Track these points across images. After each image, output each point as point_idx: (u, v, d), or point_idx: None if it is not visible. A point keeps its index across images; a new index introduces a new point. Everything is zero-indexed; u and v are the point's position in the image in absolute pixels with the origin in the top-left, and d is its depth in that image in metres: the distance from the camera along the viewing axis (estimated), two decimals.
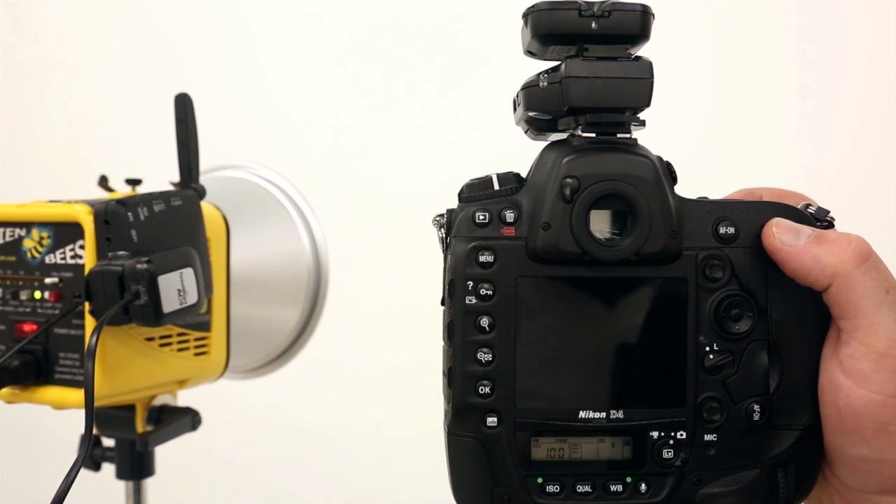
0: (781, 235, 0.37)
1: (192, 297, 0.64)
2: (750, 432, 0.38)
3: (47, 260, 0.64)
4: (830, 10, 1.17)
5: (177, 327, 0.70)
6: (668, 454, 0.38)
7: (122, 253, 0.61)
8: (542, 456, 0.38)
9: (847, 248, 0.36)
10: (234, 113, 1.36)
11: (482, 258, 0.38)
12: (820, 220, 0.39)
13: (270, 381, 0.99)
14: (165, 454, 0.78)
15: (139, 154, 1.36)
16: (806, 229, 0.38)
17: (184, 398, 0.78)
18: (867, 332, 0.36)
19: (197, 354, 0.73)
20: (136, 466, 0.76)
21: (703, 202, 0.39)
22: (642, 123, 0.39)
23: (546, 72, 0.38)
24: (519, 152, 0.47)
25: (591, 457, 0.39)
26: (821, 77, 1.18)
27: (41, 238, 0.65)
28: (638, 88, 0.37)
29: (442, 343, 0.39)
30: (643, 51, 0.39)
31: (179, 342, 0.71)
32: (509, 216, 0.38)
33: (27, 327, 0.64)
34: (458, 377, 0.38)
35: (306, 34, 1.38)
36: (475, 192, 0.38)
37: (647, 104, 0.38)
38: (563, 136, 0.40)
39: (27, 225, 0.65)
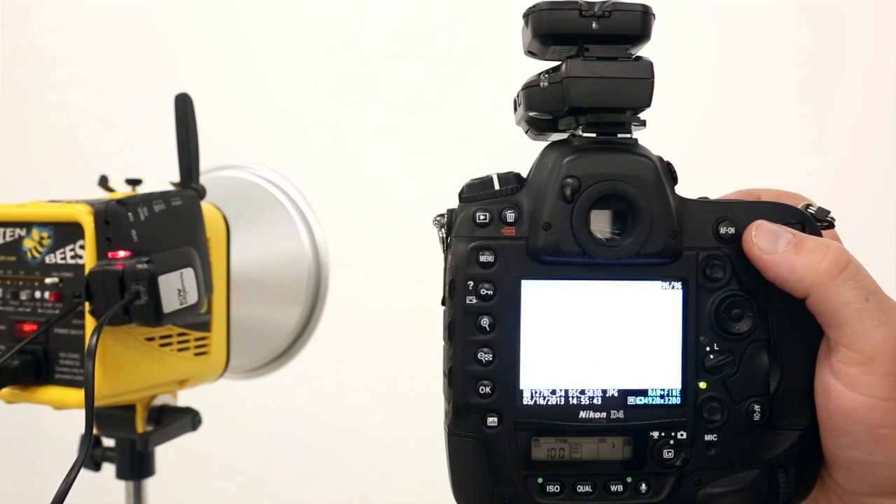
0: (760, 241, 0.37)
1: (192, 297, 0.64)
2: (750, 432, 0.38)
3: (47, 260, 0.64)
4: (831, 10, 1.17)
5: (177, 327, 0.70)
6: (668, 454, 0.38)
7: (122, 253, 0.61)
8: (543, 456, 0.38)
9: (823, 260, 0.36)
10: (234, 113, 1.36)
11: (483, 258, 0.38)
12: (820, 220, 0.39)
13: (270, 381, 0.99)
14: (165, 454, 0.78)
15: (139, 154, 1.36)
16: (786, 235, 0.37)
17: (184, 398, 0.78)
18: (853, 339, 0.36)
19: (197, 354, 0.73)
20: (136, 466, 0.76)
21: (703, 202, 0.39)
22: (643, 123, 0.39)
23: (547, 72, 0.38)
24: (519, 152, 0.47)
25: (591, 457, 0.39)
26: (821, 77, 1.18)
27: (41, 238, 0.65)
28: (638, 88, 0.37)
29: (442, 343, 0.39)
30: (644, 51, 0.39)
31: (179, 342, 0.71)
32: (510, 216, 0.38)
33: (27, 327, 0.64)
34: (459, 377, 0.38)
35: (306, 34, 1.38)
36: (476, 191, 0.38)
37: (648, 104, 0.38)
38: (564, 136, 0.40)
39: (27, 225, 0.65)
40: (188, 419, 0.76)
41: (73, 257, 0.63)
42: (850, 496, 0.38)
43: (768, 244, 0.37)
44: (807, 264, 0.36)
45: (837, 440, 0.37)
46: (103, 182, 0.76)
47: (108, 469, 0.77)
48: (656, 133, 0.43)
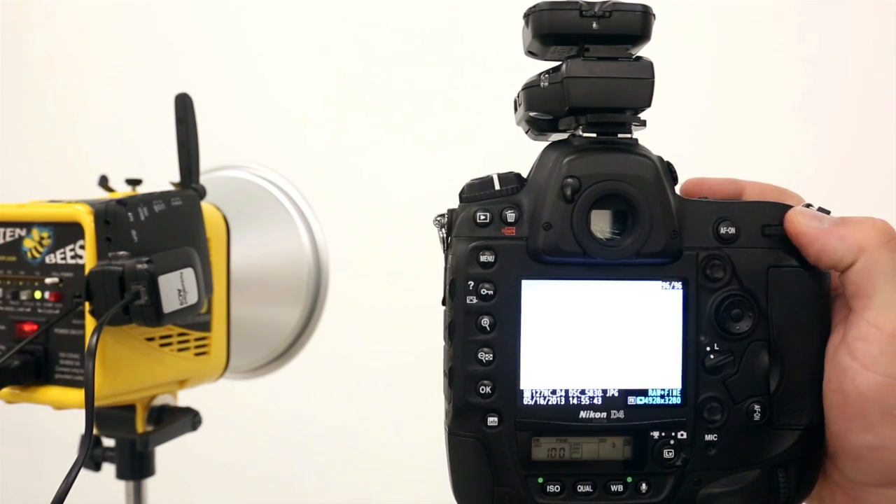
0: (804, 219, 0.38)
1: (192, 297, 0.64)
2: (750, 432, 0.39)
3: (47, 260, 0.64)
4: (832, 10, 1.17)
5: (177, 327, 0.70)
6: (668, 454, 0.38)
7: (122, 253, 0.61)
8: (543, 456, 0.38)
9: (873, 228, 0.37)
10: (234, 113, 1.36)
11: (483, 258, 0.38)
12: None
13: (270, 381, 0.99)
14: (165, 454, 0.78)
15: (139, 154, 1.36)
16: (826, 216, 0.38)
17: (184, 398, 0.78)
18: (879, 313, 0.36)
19: (197, 354, 0.73)
20: (136, 466, 0.76)
21: (703, 202, 0.39)
22: (643, 123, 0.39)
23: (547, 72, 0.38)
24: (519, 152, 0.47)
25: (591, 457, 0.39)
26: (822, 77, 1.18)
27: (41, 238, 0.65)
28: (639, 89, 0.37)
29: (443, 343, 0.39)
30: (644, 51, 0.39)
31: (180, 342, 0.71)
32: (510, 216, 0.38)
33: (27, 327, 0.64)
34: (459, 377, 0.38)
35: (306, 34, 1.38)
36: (476, 191, 0.38)
37: (648, 104, 0.38)
38: (564, 136, 0.40)
39: (27, 225, 0.65)
40: (188, 419, 0.76)
41: (73, 257, 0.63)
42: (856, 488, 0.38)
43: (813, 222, 0.38)
44: (857, 231, 0.37)
45: (850, 424, 0.37)
46: (103, 182, 0.76)
47: (108, 469, 0.77)
48: (656, 133, 0.43)
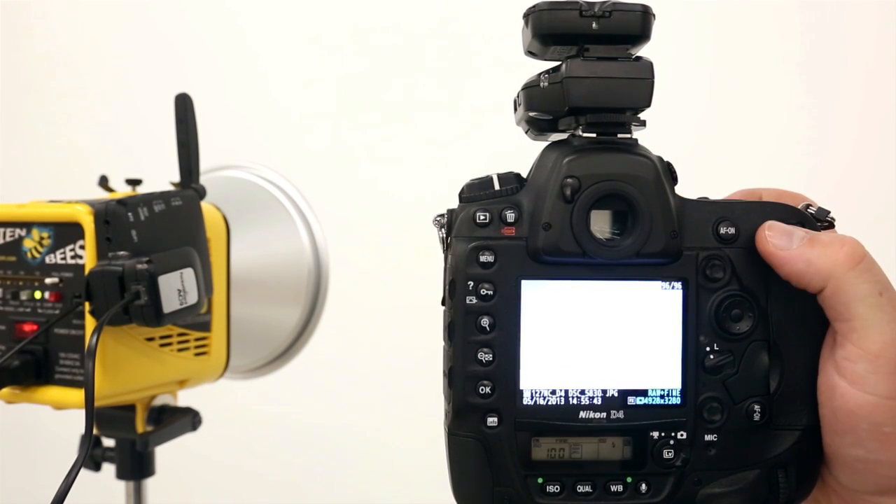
0: (774, 239, 0.37)
1: (192, 297, 0.64)
2: (750, 432, 0.39)
3: (47, 260, 0.64)
4: (832, 11, 1.17)
5: (177, 327, 0.70)
6: (668, 454, 0.38)
7: (122, 253, 0.61)
8: (543, 456, 0.38)
9: (840, 251, 0.36)
10: (234, 113, 1.36)
11: (483, 258, 0.38)
12: (820, 220, 0.39)
13: (270, 381, 1.00)
14: (165, 454, 0.78)
15: (139, 154, 1.36)
16: (799, 232, 0.37)
17: (184, 398, 0.78)
18: (861, 335, 0.36)
19: (197, 354, 0.73)
20: (136, 466, 0.76)
21: (703, 202, 0.39)
22: (643, 123, 0.39)
23: (547, 72, 0.38)
24: (519, 152, 0.47)
25: (591, 457, 0.39)
26: (822, 77, 1.18)
27: (41, 238, 0.65)
28: (638, 89, 0.37)
29: (442, 343, 0.39)
30: (644, 51, 0.39)
31: (179, 342, 0.71)
32: (510, 216, 0.38)
33: (27, 327, 0.64)
34: (459, 377, 0.38)
35: (306, 34, 1.38)
36: (476, 192, 0.38)
37: (648, 104, 0.38)
38: (564, 136, 0.40)
39: (27, 225, 0.65)
40: (188, 419, 0.76)
41: (73, 257, 0.63)
42: (851, 494, 0.38)
43: (782, 241, 0.37)
44: (824, 255, 0.36)
45: (841, 438, 0.37)
46: (103, 182, 0.76)
47: (108, 469, 0.77)
48: (656, 133, 0.43)
